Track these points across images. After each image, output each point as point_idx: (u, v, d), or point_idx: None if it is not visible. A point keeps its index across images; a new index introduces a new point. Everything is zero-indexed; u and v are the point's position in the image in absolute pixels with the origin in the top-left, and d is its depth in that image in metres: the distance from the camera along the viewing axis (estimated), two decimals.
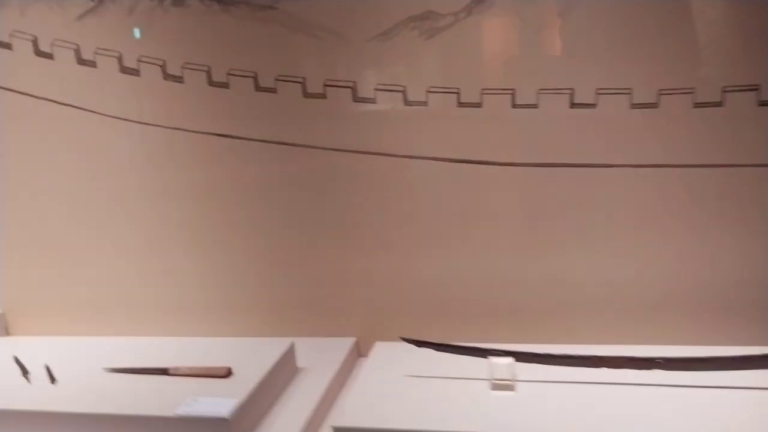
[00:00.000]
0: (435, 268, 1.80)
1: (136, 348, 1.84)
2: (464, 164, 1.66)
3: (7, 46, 1.95)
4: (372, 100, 1.69)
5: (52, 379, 1.66)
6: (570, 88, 1.55)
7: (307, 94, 1.75)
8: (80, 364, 1.74)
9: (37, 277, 2.16)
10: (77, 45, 1.89)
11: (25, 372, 1.71)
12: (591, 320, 1.73)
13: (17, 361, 1.76)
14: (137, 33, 1.84)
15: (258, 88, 1.79)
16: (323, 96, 1.74)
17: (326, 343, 1.88)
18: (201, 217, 1.93)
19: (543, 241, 1.72)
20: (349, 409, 1.38)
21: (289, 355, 1.72)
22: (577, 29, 1.55)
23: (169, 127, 1.89)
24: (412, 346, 1.62)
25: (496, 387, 1.41)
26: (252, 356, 1.67)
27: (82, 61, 1.91)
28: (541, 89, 1.57)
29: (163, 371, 1.64)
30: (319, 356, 1.81)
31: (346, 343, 1.88)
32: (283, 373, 1.68)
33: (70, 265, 2.10)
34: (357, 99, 1.71)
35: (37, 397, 1.58)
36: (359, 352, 1.91)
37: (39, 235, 2.10)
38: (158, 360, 1.70)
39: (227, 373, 1.59)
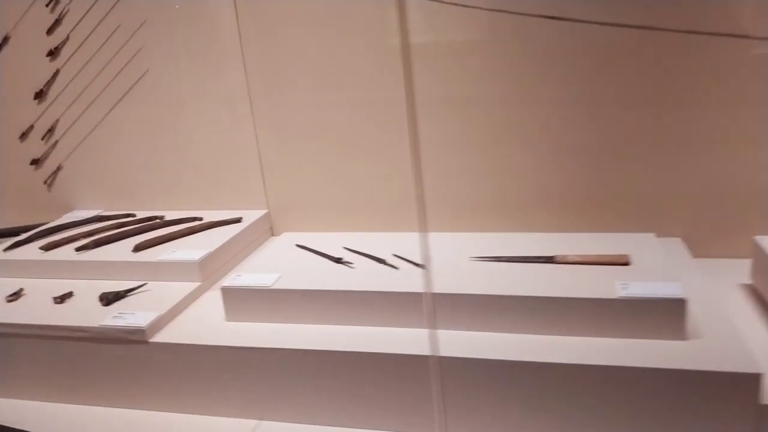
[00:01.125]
0: None
1: (472, 242, 1.73)
2: None
3: None
4: None
5: (419, 265, 1.59)
6: None
7: None
8: (436, 255, 1.61)
9: (303, 176, 2.08)
10: None
11: (381, 261, 1.65)
12: None
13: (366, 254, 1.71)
14: None
15: None
16: None
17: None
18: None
19: None
20: None
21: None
22: None
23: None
24: None
25: None
26: (616, 248, 1.57)
27: None
28: None
29: (549, 259, 1.57)
30: (659, 253, 1.66)
31: (674, 242, 1.78)
32: None
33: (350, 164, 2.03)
34: None
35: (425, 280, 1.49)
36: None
37: (314, 130, 2.02)
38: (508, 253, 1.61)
39: (627, 261, 1.53)
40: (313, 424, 1.49)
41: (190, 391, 1.55)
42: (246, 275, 1.62)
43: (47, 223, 2.23)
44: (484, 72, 1.80)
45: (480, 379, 1.35)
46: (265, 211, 2.14)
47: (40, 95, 2.23)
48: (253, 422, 1.52)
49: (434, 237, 1.79)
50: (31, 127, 2.28)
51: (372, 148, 1.97)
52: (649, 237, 1.67)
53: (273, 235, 2.18)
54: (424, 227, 0.92)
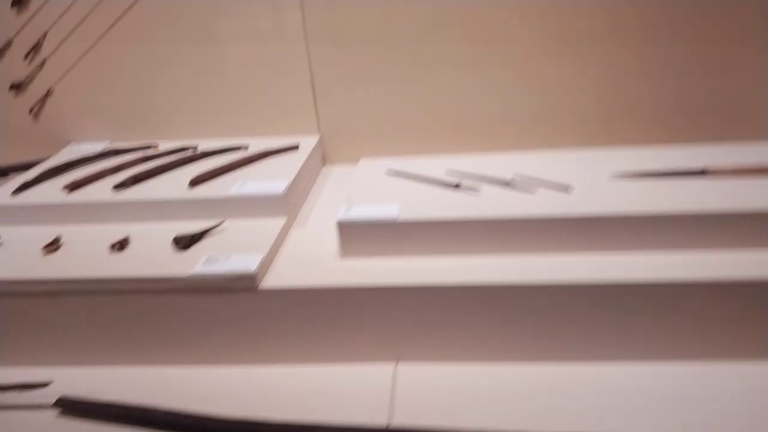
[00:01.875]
0: None
1: (602, 158, 1.59)
2: None
3: None
4: None
5: (565, 189, 1.43)
6: None
7: None
8: (571, 174, 1.50)
9: (362, 93, 1.84)
10: None
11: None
12: None
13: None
14: None
15: None
16: None
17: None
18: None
19: None
20: None
21: None
22: None
23: None
24: None
25: None
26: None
27: None
28: None
29: (701, 172, 1.45)
30: None
31: None
32: None
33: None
34: None
35: (589, 203, 1.35)
36: None
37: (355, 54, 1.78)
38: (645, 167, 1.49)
39: None
40: (455, 361, 1.33)
41: (313, 340, 1.33)
42: (359, 207, 1.40)
43: (43, 160, 1.85)
44: None
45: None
46: (317, 136, 1.89)
47: (19, 2, 1.80)
48: (391, 365, 1.34)
49: (557, 155, 1.65)
50: (9, 43, 1.85)
51: (445, 60, 1.76)
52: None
53: (325, 163, 1.94)
54: None
